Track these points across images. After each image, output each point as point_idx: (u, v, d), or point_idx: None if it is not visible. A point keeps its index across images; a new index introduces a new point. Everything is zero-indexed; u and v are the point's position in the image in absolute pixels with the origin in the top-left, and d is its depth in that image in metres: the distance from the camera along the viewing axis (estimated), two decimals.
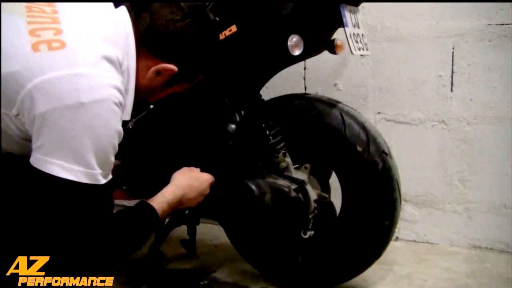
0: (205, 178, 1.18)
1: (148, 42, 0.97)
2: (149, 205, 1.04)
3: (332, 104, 1.33)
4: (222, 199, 1.28)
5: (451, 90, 1.73)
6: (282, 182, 1.28)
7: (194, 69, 1.05)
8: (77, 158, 0.85)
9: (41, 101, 0.83)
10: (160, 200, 1.06)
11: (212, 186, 1.20)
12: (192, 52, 1.01)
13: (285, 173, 1.30)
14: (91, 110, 0.85)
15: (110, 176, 0.94)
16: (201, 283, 1.48)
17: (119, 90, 0.90)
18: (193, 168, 1.20)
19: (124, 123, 1.30)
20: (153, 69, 0.98)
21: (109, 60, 0.90)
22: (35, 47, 0.85)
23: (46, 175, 0.85)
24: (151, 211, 1.03)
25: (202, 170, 1.21)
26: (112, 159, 0.92)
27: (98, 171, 0.88)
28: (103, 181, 0.90)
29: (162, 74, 1.00)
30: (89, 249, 0.92)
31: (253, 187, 1.24)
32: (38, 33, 0.87)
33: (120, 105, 0.91)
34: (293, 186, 1.28)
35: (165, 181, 1.14)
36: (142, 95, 1.02)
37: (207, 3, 1.22)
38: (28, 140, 0.89)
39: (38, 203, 0.88)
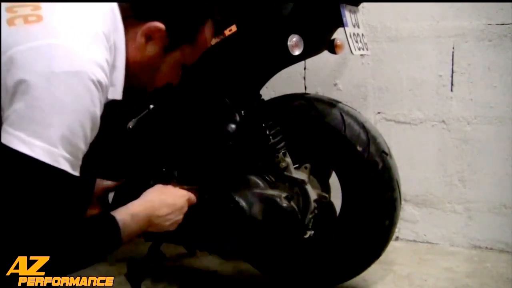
0: (180, 194, 1.03)
1: (131, 8, 0.88)
2: (110, 215, 0.89)
3: (332, 104, 1.33)
4: (205, 219, 1.12)
5: (451, 90, 1.73)
6: (271, 192, 1.21)
7: (184, 23, 0.92)
8: (38, 130, 0.75)
9: (12, 72, 0.75)
10: (123, 212, 0.91)
11: (193, 205, 1.05)
12: (175, 2, 0.90)
13: (285, 173, 1.30)
14: (62, 82, 0.76)
15: (78, 169, 0.81)
16: (201, 283, 1.48)
17: (101, 67, 0.81)
18: (168, 186, 1.05)
19: (124, 123, 1.30)
20: (139, 33, 0.89)
21: (92, 34, 0.82)
22: (10, 22, 0.79)
23: (4, 147, 0.74)
24: (110, 220, 0.88)
25: (193, 178, 1.13)
26: (81, 145, 0.80)
27: (60, 151, 0.76)
28: (66, 166, 0.77)
29: (153, 39, 0.90)
30: (26, 242, 0.78)
31: (242, 202, 1.12)
32: (15, 9, 0.81)
33: (100, 85, 0.80)
34: (283, 195, 1.21)
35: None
36: (142, 74, 0.94)
37: None
38: None
39: None
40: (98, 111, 0.81)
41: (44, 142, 0.75)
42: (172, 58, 0.94)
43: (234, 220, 1.14)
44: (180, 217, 1.01)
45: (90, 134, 0.81)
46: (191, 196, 1.05)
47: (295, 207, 1.20)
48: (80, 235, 0.82)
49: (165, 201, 0.99)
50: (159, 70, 0.95)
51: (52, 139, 0.76)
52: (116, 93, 0.89)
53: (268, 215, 1.17)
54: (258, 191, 1.21)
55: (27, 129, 0.74)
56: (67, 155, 0.77)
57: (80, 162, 0.81)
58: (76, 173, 0.80)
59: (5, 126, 0.76)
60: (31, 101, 0.75)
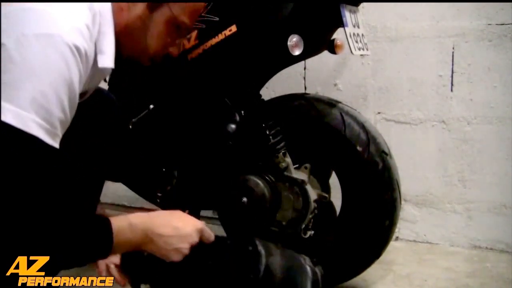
0: (192, 222, 0.91)
1: None
2: (106, 218, 0.83)
3: (332, 104, 1.33)
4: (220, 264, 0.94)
5: (451, 90, 1.73)
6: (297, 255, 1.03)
7: None
8: (9, 94, 0.70)
9: None
10: (122, 218, 0.84)
11: (205, 244, 0.92)
12: None
13: (285, 173, 1.30)
14: (33, 44, 0.72)
15: (57, 140, 0.76)
16: None
17: (80, 32, 0.77)
18: (185, 213, 0.94)
19: (124, 123, 1.29)
20: None
21: (70, 2, 0.78)
22: None
23: None
24: (104, 222, 0.81)
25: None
26: (57, 111, 0.74)
27: (31, 115, 0.71)
28: (38, 132, 0.72)
29: None
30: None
31: (261, 249, 0.93)
32: None
33: (78, 51, 0.76)
34: (308, 259, 1.04)
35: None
36: (132, 38, 0.90)
37: (207, 3, 1.22)
38: None
39: None
40: (75, 77, 0.76)
41: (14, 105, 0.70)
42: (160, 15, 0.91)
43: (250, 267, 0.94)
44: (185, 245, 0.88)
45: (67, 101, 0.76)
46: (206, 230, 0.92)
47: (319, 274, 1.01)
48: (65, 226, 0.75)
49: (170, 221, 0.89)
50: (149, 32, 0.92)
51: (22, 103, 0.71)
52: (107, 61, 0.86)
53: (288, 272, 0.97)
54: (284, 250, 1.03)
55: (1, 93, 0.70)
56: (40, 121, 0.72)
57: (58, 132, 0.76)
58: (55, 144, 0.75)
59: None
60: (5, 64, 0.71)
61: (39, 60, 0.73)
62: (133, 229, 0.85)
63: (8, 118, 0.69)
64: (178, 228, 0.88)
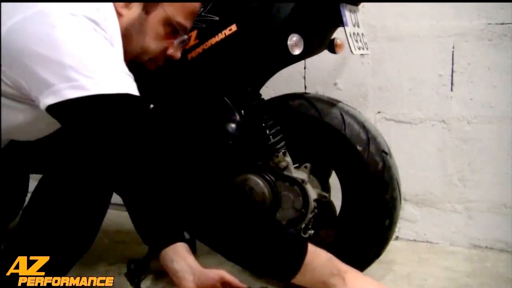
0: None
1: None
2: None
3: (332, 103, 1.33)
4: None
5: (451, 90, 1.73)
6: None
7: None
8: (67, 73, 0.74)
9: (14, 44, 0.76)
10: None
11: None
12: None
13: (285, 172, 1.30)
14: (64, 28, 0.76)
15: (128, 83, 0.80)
16: None
17: (94, 21, 0.81)
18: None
19: None
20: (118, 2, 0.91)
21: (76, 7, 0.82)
22: None
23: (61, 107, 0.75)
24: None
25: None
26: (117, 59, 0.80)
27: (107, 75, 0.76)
28: (127, 86, 0.78)
29: (131, 1, 0.92)
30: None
31: None
32: None
33: (98, 26, 0.81)
34: None
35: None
36: (131, 40, 0.93)
37: (207, 2, 1.22)
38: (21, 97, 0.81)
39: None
40: (103, 36, 0.80)
41: (93, 76, 0.74)
42: (155, 17, 0.94)
43: None
44: None
45: (109, 49, 0.81)
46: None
47: None
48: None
49: None
50: (147, 34, 0.95)
51: (89, 69, 0.75)
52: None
53: None
54: None
55: (59, 77, 0.74)
56: (119, 73, 0.78)
57: (131, 77, 0.81)
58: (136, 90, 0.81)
59: (38, 96, 0.76)
60: (37, 57, 0.75)
61: (69, 33, 0.76)
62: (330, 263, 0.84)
63: (99, 88, 0.74)
64: None
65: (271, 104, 1.37)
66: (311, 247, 0.81)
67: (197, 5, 1.02)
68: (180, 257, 1.08)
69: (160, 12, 0.94)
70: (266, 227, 0.79)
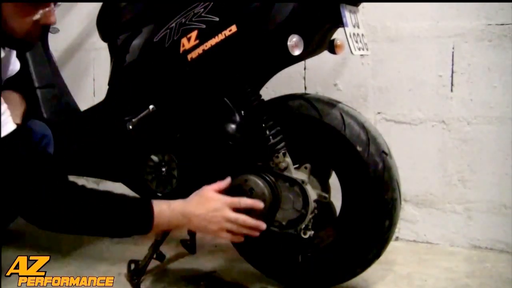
0: (219, 199, 1.12)
1: None
2: (148, 200, 1.04)
3: (332, 104, 1.33)
4: None
5: (451, 90, 1.73)
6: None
7: None
8: None
9: None
10: (164, 202, 1.06)
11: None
12: None
13: (285, 173, 1.30)
14: None
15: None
16: (201, 283, 1.48)
17: None
18: (211, 191, 1.14)
19: (123, 124, 1.31)
20: None
21: None
22: None
23: None
24: (145, 203, 1.03)
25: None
26: None
27: None
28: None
29: None
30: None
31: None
32: None
33: None
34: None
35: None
36: (6, 23, 0.99)
37: (207, 3, 1.22)
38: None
39: None
40: None
41: None
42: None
43: None
44: (217, 219, 1.09)
45: None
46: (234, 201, 1.12)
47: None
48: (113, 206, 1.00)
49: (202, 202, 1.10)
50: (8, 15, 0.99)
51: None
52: None
53: None
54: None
55: None
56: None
57: None
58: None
59: None
60: None
61: None
62: (172, 212, 1.05)
63: None
64: (209, 207, 1.09)
65: (271, 104, 1.37)
66: (156, 208, 1.03)
67: None
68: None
69: None
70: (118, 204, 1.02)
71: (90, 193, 1.03)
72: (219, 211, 1.09)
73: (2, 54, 1.06)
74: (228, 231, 1.10)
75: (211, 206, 1.09)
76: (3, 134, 0.93)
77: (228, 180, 1.18)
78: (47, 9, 1.03)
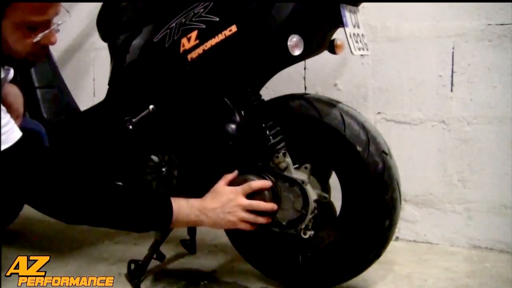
0: (230, 189, 1.19)
1: None
2: (167, 196, 1.10)
3: (332, 104, 1.33)
4: None
5: (451, 90, 1.73)
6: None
7: None
8: None
9: None
10: (182, 199, 1.12)
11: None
12: None
13: (285, 173, 1.30)
14: None
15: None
16: (201, 283, 1.48)
17: None
18: (221, 185, 1.21)
19: (123, 124, 1.32)
20: None
21: None
22: None
23: None
24: (166, 198, 1.09)
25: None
26: None
27: None
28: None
29: None
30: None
31: None
32: None
33: None
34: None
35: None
36: (6, 46, 1.00)
37: (207, 3, 1.22)
38: None
39: None
40: None
41: None
42: (8, 22, 0.98)
43: None
44: (233, 209, 1.15)
45: None
46: (245, 187, 1.18)
47: None
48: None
49: (215, 197, 1.16)
50: (9, 39, 1.00)
51: None
52: None
53: None
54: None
55: None
56: None
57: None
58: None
59: None
60: None
61: None
62: (191, 208, 1.11)
63: None
64: (223, 200, 1.15)
65: (271, 104, 1.37)
66: (174, 205, 1.09)
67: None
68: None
69: (11, 16, 0.98)
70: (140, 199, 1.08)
71: (112, 187, 1.07)
72: (233, 200, 1.16)
73: (2, 75, 1.07)
74: (245, 221, 1.17)
75: (225, 198, 1.16)
76: (12, 142, 0.97)
77: (235, 173, 1.24)
78: (46, 31, 1.03)
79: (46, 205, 1.01)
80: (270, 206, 1.20)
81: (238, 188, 1.19)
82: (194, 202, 1.14)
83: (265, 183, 1.22)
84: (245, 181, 1.26)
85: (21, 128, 1.06)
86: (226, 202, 1.16)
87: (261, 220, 1.20)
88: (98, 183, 1.06)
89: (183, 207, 1.11)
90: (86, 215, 1.04)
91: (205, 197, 1.17)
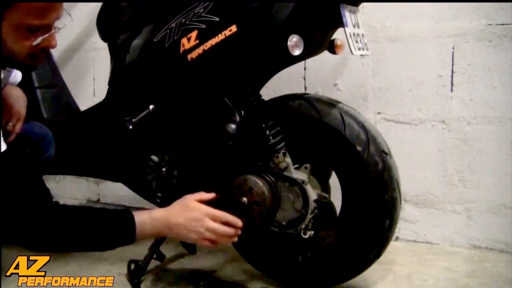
0: (199, 208, 1.13)
1: None
2: (130, 212, 1.06)
3: (332, 104, 1.33)
4: None
5: (451, 90, 1.73)
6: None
7: None
8: None
9: None
10: (145, 212, 1.08)
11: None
12: None
13: (285, 173, 1.30)
14: None
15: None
16: (201, 283, 1.48)
17: None
18: (192, 201, 1.15)
19: (123, 124, 1.31)
20: None
21: None
22: None
23: None
24: (128, 215, 1.06)
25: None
26: None
27: None
28: None
29: None
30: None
31: None
32: None
33: None
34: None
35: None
36: (6, 47, 0.99)
37: (207, 3, 1.22)
38: None
39: None
40: None
41: None
42: (7, 24, 0.97)
43: None
44: (199, 230, 1.10)
45: None
46: (216, 213, 1.12)
47: None
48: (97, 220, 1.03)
49: (182, 212, 1.11)
50: (9, 40, 0.99)
51: None
52: None
53: None
54: None
55: None
56: None
57: None
58: None
59: None
60: None
61: None
62: (153, 222, 1.08)
63: None
64: (189, 217, 1.10)
65: (271, 104, 1.37)
66: (137, 219, 1.06)
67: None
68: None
69: (11, 18, 0.96)
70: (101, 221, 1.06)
71: (71, 210, 1.04)
72: (199, 221, 1.11)
73: (2, 75, 1.06)
74: (207, 239, 1.12)
75: (191, 216, 1.11)
76: None
77: (212, 195, 1.18)
78: (46, 35, 1.02)
79: (8, 230, 0.99)
80: (235, 233, 1.15)
81: (209, 210, 1.13)
82: (158, 215, 1.10)
83: (237, 221, 1.15)
84: (245, 181, 1.26)
85: (22, 132, 1.05)
86: (192, 220, 1.11)
87: (225, 240, 1.15)
88: (58, 207, 1.03)
89: (145, 221, 1.08)
90: (49, 240, 1.01)
91: (172, 208, 1.13)
